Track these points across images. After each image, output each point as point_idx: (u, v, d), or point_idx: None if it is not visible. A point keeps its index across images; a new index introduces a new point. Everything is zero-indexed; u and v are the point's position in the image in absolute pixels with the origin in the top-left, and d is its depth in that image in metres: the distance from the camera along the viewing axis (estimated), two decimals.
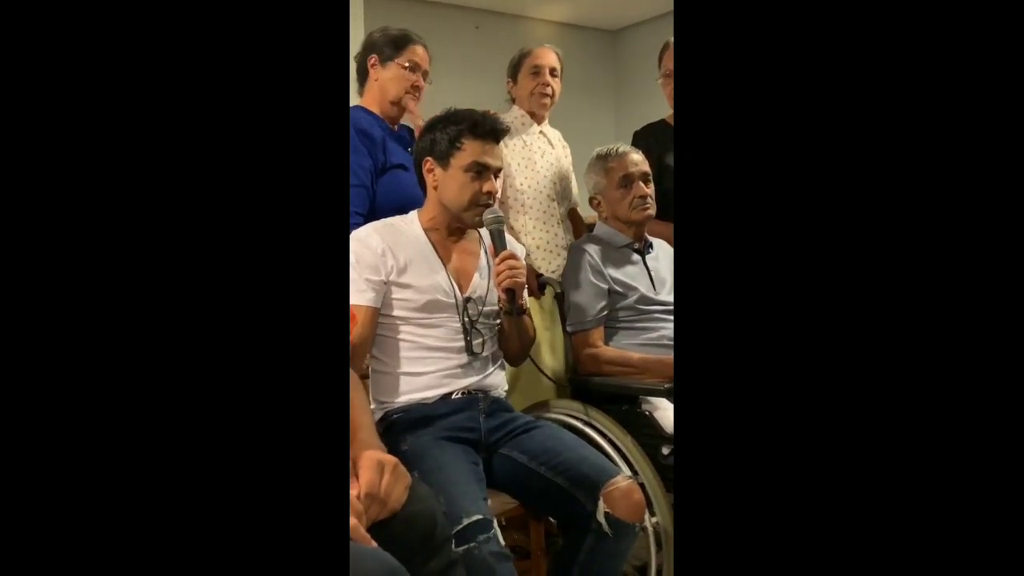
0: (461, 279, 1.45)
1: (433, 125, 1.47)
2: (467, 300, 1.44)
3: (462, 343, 1.42)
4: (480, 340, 1.44)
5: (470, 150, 1.41)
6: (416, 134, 1.86)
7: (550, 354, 1.80)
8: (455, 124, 1.43)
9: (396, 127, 1.90)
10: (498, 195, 1.50)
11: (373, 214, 1.66)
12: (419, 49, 1.88)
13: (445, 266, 1.44)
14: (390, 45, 1.87)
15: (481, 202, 1.43)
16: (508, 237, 1.51)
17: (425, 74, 1.89)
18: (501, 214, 1.47)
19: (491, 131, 1.44)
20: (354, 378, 1.20)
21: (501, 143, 1.51)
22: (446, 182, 1.43)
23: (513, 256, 1.42)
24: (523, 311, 1.47)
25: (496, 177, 1.45)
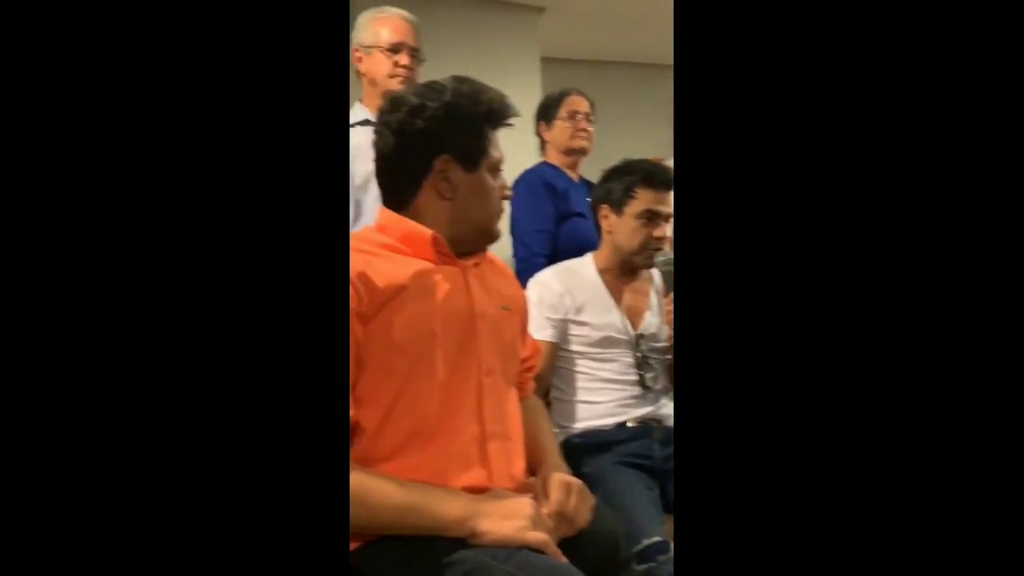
0: (634, 317, 1.46)
1: (610, 175, 1.50)
2: (639, 336, 1.44)
3: (635, 376, 1.42)
4: (652, 374, 1.43)
5: (643, 199, 1.43)
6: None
7: None
8: (629, 174, 1.45)
9: (578, 179, 1.95)
10: (669, 239, 1.49)
11: (555, 256, 1.71)
12: (574, 98, 1.92)
13: (618, 305, 1.45)
14: (550, 107, 1.94)
15: (651, 247, 1.44)
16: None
17: (587, 116, 1.92)
18: (671, 256, 1.47)
19: (663, 181, 1.44)
20: (540, 403, 1.22)
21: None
22: (620, 228, 1.46)
23: None
24: None
25: (667, 223, 1.45)
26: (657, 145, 2.11)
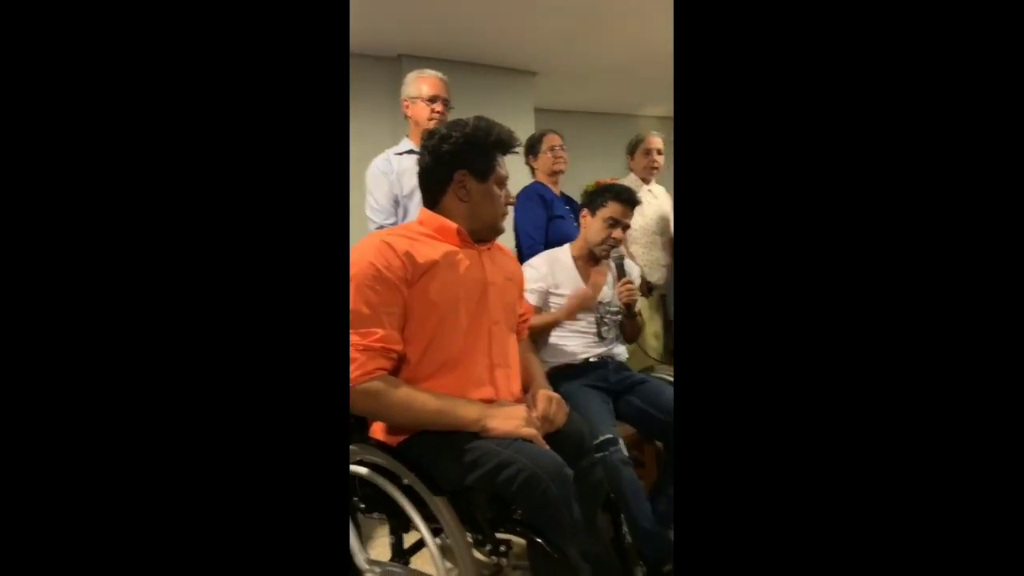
0: (596, 290, 1.45)
1: (596, 192, 1.50)
2: (599, 304, 1.44)
3: (595, 329, 1.43)
4: (607, 328, 1.43)
5: (611, 208, 1.42)
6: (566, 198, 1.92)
7: (654, 338, 1.75)
8: (609, 191, 1.45)
9: (559, 193, 1.96)
10: (623, 242, 1.49)
11: (546, 244, 1.74)
12: (551, 136, 1.92)
13: (585, 281, 1.45)
14: (534, 145, 1.94)
15: (610, 243, 1.43)
16: (628, 264, 1.50)
17: (562, 147, 1.92)
18: (623, 252, 1.47)
19: (628, 200, 1.44)
20: (532, 346, 1.23)
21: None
22: (591, 227, 1.45)
23: (630, 281, 1.41)
24: (635, 315, 1.46)
25: (625, 230, 1.45)
26: (614, 173, 2.11)
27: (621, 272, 1.43)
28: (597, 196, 1.46)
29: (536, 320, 1.34)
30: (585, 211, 1.48)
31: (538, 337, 1.42)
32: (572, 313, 1.37)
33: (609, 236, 1.42)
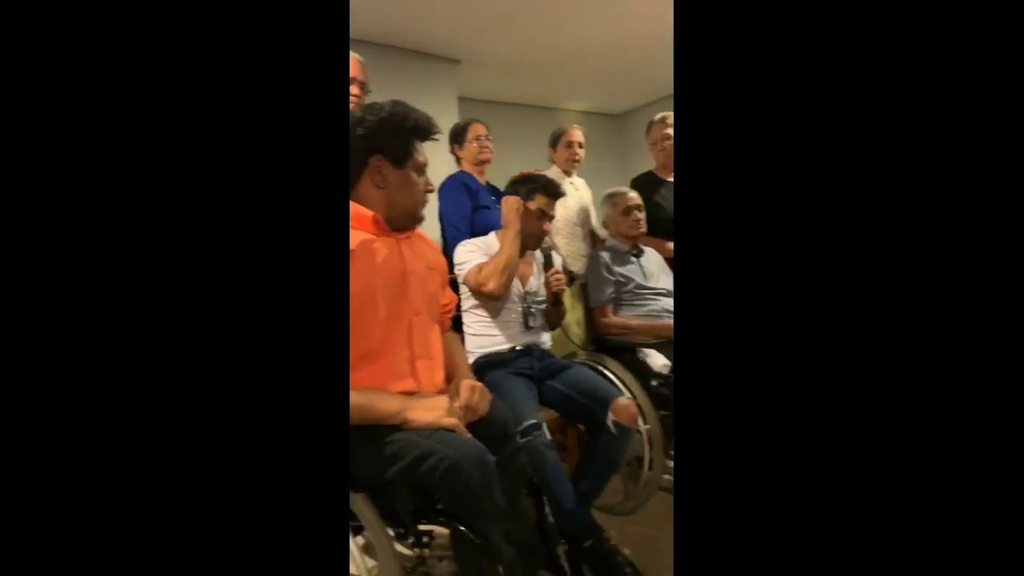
0: (523, 280, 1.47)
1: (519, 181, 1.50)
2: (526, 293, 1.46)
3: (522, 319, 1.44)
4: (533, 317, 1.46)
5: (539, 201, 1.44)
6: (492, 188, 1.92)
7: (576, 325, 1.80)
8: (534, 183, 1.46)
9: (485, 183, 1.95)
10: (550, 232, 1.51)
11: (472, 233, 1.72)
12: (476, 125, 1.92)
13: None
14: (460, 133, 1.92)
15: (538, 235, 1.45)
16: (554, 255, 1.53)
17: (487, 137, 1.92)
18: (552, 243, 1.50)
19: (554, 192, 1.46)
20: (456, 336, 1.21)
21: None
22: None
23: (559, 272, 1.44)
24: (561, 303, 1.49)
25: (551, 222, 1.47)
26: (537, 165, 2.14)
27: (549, 263, 1.46)
28: (522, 188, 1.47)
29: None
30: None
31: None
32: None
33: (539, 228, 1.44)
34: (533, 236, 1.44)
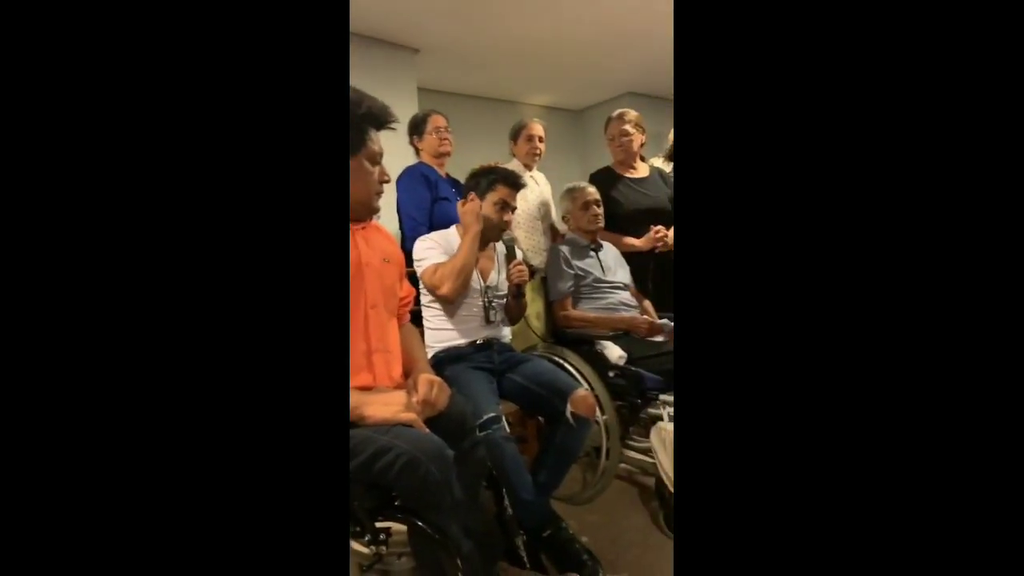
0: (484, 273, 1.47)
1: (480, 173, 1.49)
2: (487, 287, 1.45)
3: (483, 313, 1.44)
4: (494, 311, 1.45)
5: (500, 192, 1.43)
6: (454, 180, 1.90)
7: (536, 318, 1.81)
8: (494, 174, 1.45)
9: (445, 175, 1.92)
10: (512, 224, 1.51)
11: (431, 226, 1.70)
12: (436, 117, 1.89)
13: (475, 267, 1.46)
14: (419, 124, 1.89)
15: (501, 226, 1.45)
16: (516, 248, 1.53)
17: (447, 129, 1.89)
18: (514, 235, 1.49)
19: (515, 183, 1.46)
20: (415, 330, 1.20)
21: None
22: (484, 211, 1.44)
23: (521, 264, 1.44)
24: (522, 295, 1.49)
25: (513, 212, 1.47)
26: (499, 157, 2.13)
27: (512, 254, 1.46)
28: (483, 179, 1.46)
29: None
30: (472, 195, 1.47)
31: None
32: None
33: (501, 219, 1.43)
34: (495, 228, 1.44)
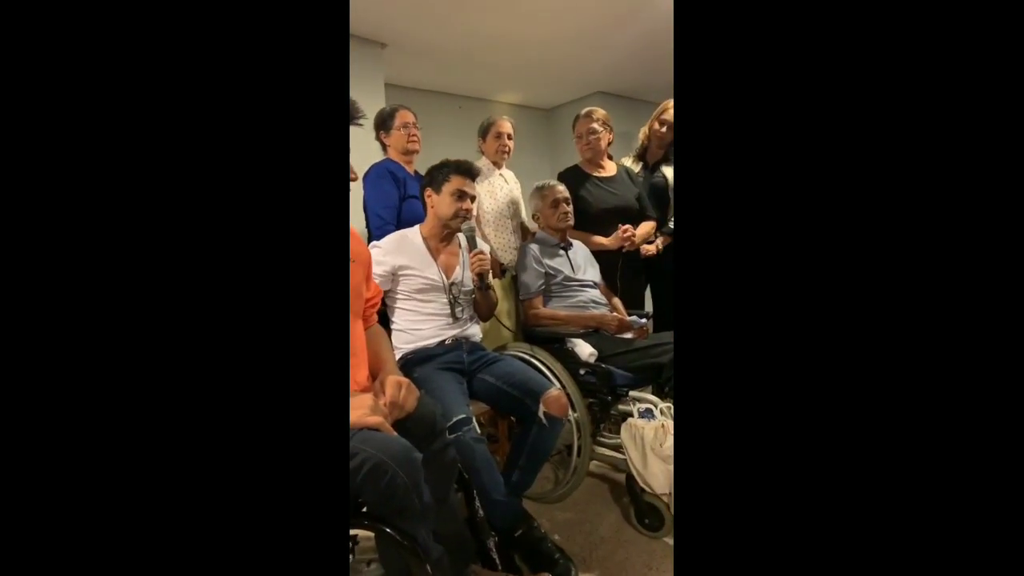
0: (448, 270, 1.45)
1: (433, 168, 1.48)
2: (452, 284, 1.44)
3: (449, 311, 1.42)
4: (460, 308, 1.44)
5: (455, 181, 1.42)
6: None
7: (507, 316, 1.81)
8: (447, 166, 1.44)
9: (413, 172, 1.89)
10: (473, 213, 1.49)
11: (399, 225, 1.67)
12: (403, 112, 1.85)
13: (436, 262, 1.44)
14: (386, 120, 1.85)
15: (461, 215, 1.43)
16: (478, 239, 1.51)
17: (415, 125, 1.86)
18: (473, 224, 1.48)
19: (468, 171, 1.45)
20: (382, 331, 1.18)
21: (476, 180, 1.51)
22: (439, 203, 1.44)
23: (481, 252, 1.43)
24: (488, 288, 1.47)
25: (472, 201, 1.45)
26: (468, 155, 2.11)
27: (472, 244, 1.45)
28: (437, 173, 1.45)
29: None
30: (429, 190, 1.47)
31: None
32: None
33: (460, 208, 1.42)
34: (457, 218, 1.42)
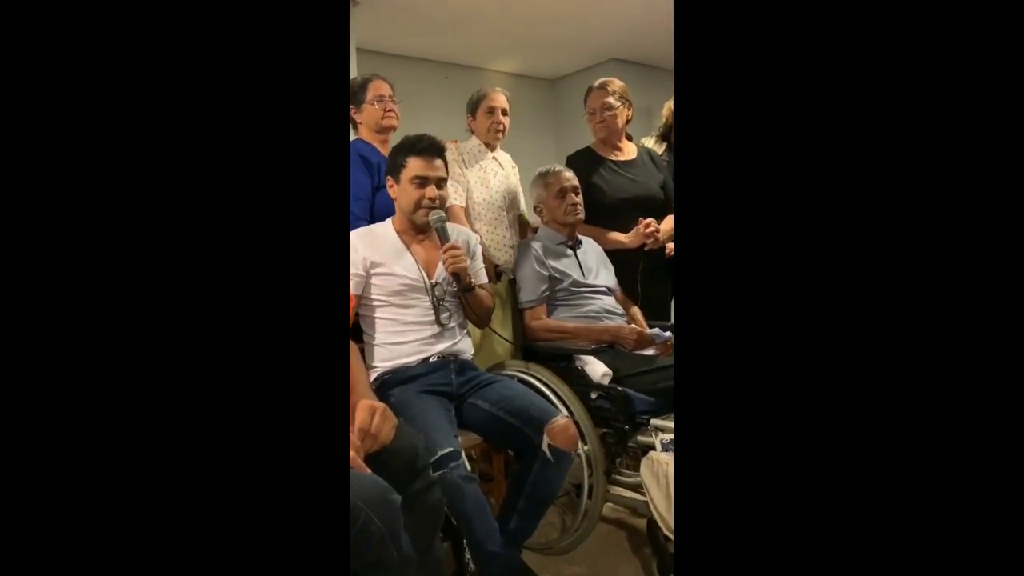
0: (429, 268, 1.45)
1: (392, 151, 1.49)
2: (434, 284, 1.44)
3: (433, 317, 1.42)
4: (447, 314, 1.44)
5: (413, 166, 1.42)
6: None
7: (501, 327, 1.81)
8: (402, 148, 1.44)
9: (388, 155, 1.89)
10: (444, 201, 1.47)
11: (373, 218, 1.67)
12: (378, 83, 1.85)
13: (414, 258, 1.44)
14: (357, 92, 1.86)
15: (424, 205, 1.42)
16: (459, 228, 1.52)
17: (392, 98, 1.86)
18: (443, 214, 1.45)
19: (428, 148, 1.43)
20: (353, 347, 1.19)
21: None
22: (400, 194, 1.45)
23: (455, 247, 1.40)
24: (471, 288, 1.46)
25: (440, 187, 1.44)
26: (455, 133, 2.11)
27: (444, 237, 1.43)
28: (395, 158, 1.45)
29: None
30: (390, 179, 1.47)
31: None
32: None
33: (422, 197, 1.41)
34: (420, 209, 1.42)
